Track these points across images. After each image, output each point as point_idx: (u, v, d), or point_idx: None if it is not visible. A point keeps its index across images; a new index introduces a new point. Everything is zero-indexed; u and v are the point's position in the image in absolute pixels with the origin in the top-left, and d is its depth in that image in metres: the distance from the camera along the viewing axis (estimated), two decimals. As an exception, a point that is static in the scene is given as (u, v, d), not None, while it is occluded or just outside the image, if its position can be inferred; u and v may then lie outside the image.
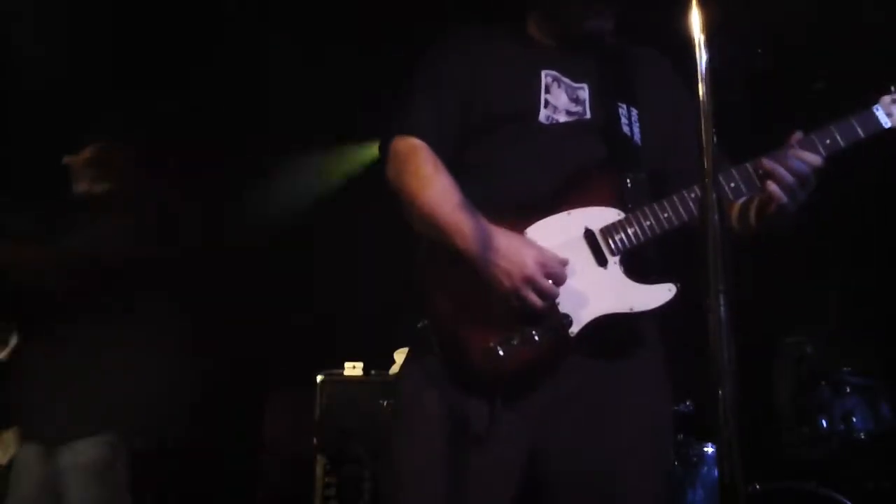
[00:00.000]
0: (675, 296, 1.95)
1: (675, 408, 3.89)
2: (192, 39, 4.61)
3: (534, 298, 1.89)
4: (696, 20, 1.46)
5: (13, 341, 3.54)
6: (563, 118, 2.13)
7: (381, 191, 2.18)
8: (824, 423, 3.80)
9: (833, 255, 4.69)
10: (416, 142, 2.09)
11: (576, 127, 2.13)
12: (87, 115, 4.40)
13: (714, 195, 1.33)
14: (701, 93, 1.39)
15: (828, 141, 1.95)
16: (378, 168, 2.18)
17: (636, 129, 2.15)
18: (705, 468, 3.89)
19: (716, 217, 1.32)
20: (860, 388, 3.80)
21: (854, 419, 3.74)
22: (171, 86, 4.72)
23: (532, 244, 1.95)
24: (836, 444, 3.79)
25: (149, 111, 4.42)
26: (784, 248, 4.19)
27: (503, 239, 1.93)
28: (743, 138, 2.03)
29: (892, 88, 1.99)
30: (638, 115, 2.16)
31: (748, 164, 1.98)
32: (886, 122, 1.97)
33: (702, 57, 1.42)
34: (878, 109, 1.98)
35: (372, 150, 5.43)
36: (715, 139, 1.42)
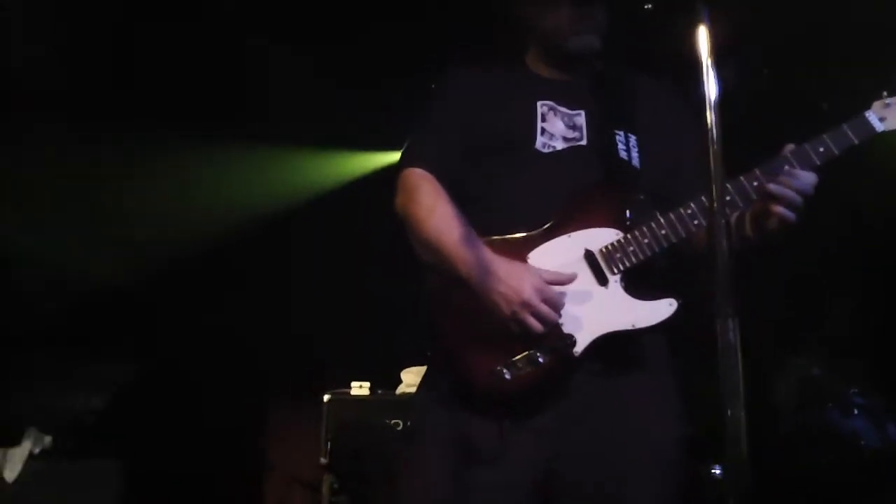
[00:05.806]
0: (677, 311, 1.97)
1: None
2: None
3: (532, 322, 1.94)
4: (703, 42, 1.47)
5: None
6: (560, 145, 2.17)
7: (386, 206, 2.24)
8: (831, 444, 3.79)
9: (839, 275, 4.69)
10: (421, 173, 2.17)
11: (573, 152, 2.17)
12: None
13: (722, 221, 1.34)
14: (709, 119, 1.40)
15: (821, 149, 1.98)
16: (382, 179, 2.24)
17: (634, 154, 2.18)
18: (711, 489, 3.87)
19: (724, 242, 1.33)
20: (867, 408, 3.79)
21: (862, 441, 3.72)
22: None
23: (531, 270, 1.99)
24: (843, 466, 3.78)
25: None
26: (788, 266, 4.19)
27: (503, 266, 1.98)
28: (746, 157, 2.04)
29: (884, 94, 2.01)
30: (636, 140, 2.20)
31: (742, 177, 2.00)
32: (879, 126, 1.99)
33: (709, 81, 1.43)
34: (870, 115, 2.00)
35: (375, 160, 5.45)
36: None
